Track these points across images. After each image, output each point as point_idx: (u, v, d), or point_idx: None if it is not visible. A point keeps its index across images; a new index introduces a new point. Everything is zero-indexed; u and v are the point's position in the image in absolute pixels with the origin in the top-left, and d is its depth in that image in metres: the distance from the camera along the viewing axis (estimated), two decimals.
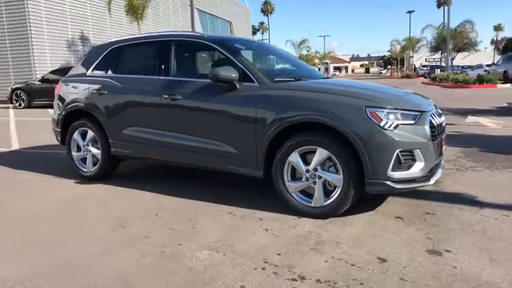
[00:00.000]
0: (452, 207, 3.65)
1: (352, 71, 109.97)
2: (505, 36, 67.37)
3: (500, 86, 20.27)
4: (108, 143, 4.59)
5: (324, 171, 3.40)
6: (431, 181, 3.41)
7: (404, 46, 54.45)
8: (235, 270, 2.61)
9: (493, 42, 71.01)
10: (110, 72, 4.68)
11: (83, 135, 4.83)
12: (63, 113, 4.91)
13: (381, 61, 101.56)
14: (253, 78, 3.72)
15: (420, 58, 62.57)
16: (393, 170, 3.20)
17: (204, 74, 4.10)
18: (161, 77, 4.20)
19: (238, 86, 3.71)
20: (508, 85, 20.41)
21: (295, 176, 3.56)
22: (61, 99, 5.00)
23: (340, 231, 3.21)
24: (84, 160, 4.88)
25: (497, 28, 71.60)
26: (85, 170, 4.85)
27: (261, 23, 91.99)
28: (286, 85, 3.76)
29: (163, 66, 4.23)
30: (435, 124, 3.44)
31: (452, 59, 46.71)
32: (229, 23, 39.47)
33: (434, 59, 59.88)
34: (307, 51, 59.60)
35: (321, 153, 3.35)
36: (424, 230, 3.19)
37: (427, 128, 3.33)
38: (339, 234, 3.14)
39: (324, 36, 65.95)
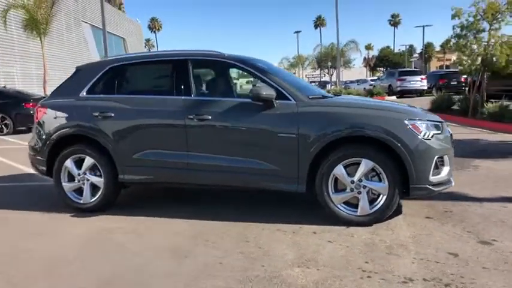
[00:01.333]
0: (461, 204, 4.18)
1: (240, 86, 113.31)
2: (374, 54, 76.75)
3: (387, 97, 23.11)
4: (114, 169, 4.21)
5: (368, 181, 3.65)
6: (453, 183, 3.89)
7: (293, 63, 58.40)
8: (346, 282, 2.69)
9: (364, 60, 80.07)
10: (111, 93, 4.32)
11: (78, 163, 4.34)
12: (51, 139, 4.35)
13: None
14: (288, 96, 3.82)
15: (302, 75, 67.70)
16: (432, 175, 3.60)
17: (230, 92, 4.07)
18: (182, 97, 4.04)
19: (275, 104, 3.78)
20: (393, 97, 23.37)
21: (337, 187, 3.74)
22: (46, 124, 4.42)
23: (395, 235, 3.48)
24: (78, 191, 4.38)
25: (368, 47, 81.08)
26: (81, 201, 4.35)
27: (147, 40, 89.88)
28: (322, 102, 3.95)
29: (182, 86, 4.07)
30: (451, 132, 3.95)
31: (331, 75, 51.41)
32: (123, 39, 38.04)
33: (313, 75, 65.25)
34: None
35: (366, 164, 3.60)
36: (459, 226, 3.63)
37: (448, 135, 3.82)
38: (396, 238, 3.40)
39: None
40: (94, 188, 4.34)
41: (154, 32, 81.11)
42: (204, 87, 4.19)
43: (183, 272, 2.93)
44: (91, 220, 4.15)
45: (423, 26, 53.92)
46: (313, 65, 54.40)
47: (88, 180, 4.32)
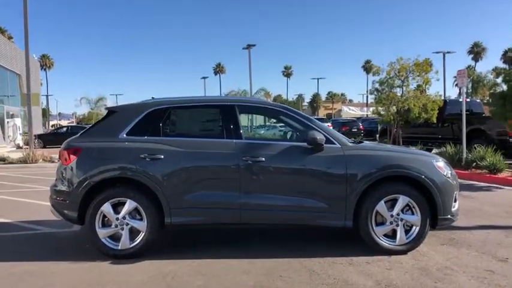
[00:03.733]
0: (455, 232, 4.99)
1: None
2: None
3: None
4: (159, 212, 4.16)
5: (404, 214, 4.24)
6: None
7: None
8: None
9: None
10: (157, 135, 4.32)
11: (115, 207, 4.19)
12: (88, 182, 4.14)
13: None
14: (334, 140, 4.31)
15: None
16: (453, 207, 4.34)
17: (278, 136, 4.39)
18: (234, 140, 4.25)
19: (324, 148, 4.23)
20: None
21: (377, 221, 4.26)
22: (81, 166, 4.21)
23: (433, 260, 4.07)
24: (113, 236, 4.19)
25: (267, 95, 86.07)
26: (118, 247, 4.16)
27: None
28: (361, 146, 4.50)
29: (232, 130, 4.30)
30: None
31: None
32: (19, 76, 34.93)
33: None
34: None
35: (403, 200, 4.21)
36: (471, 248, 4.40)
37: (455, 174, 4.65)
38: (437, 262, 4.00)
39: (116, 95, 66.19)
40: (131, 233, 4.20)
41: (45, 69, 75.77)
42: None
43: None
44: (142, 265, 4.00)
45: (318, 78, 59.63)
46: None
47: (127, 224, 4.18)
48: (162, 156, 4.19)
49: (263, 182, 4.23)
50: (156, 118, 4.40)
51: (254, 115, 4.90)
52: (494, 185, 8.55)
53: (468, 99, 14.48)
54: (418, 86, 13.55)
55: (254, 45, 28.83)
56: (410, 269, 3.83)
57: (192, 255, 4.26)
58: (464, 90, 11.12)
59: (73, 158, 4.26)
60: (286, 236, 4.92)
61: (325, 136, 4.27)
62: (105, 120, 4.53)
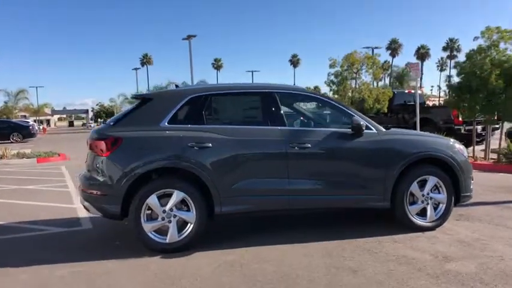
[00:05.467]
0: (460, 209, 5.49)
1: (55, 124, 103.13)
2: None
3: None
4: (207, 202, 4.06)
5: (433, 194, 4.59)
6: None
7: (131, 100, 56.50)
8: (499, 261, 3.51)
9: None
10: (199, 123, 4.18)
11: (161, 199, 4.00)
12: (133, 174, 3.90)
13: (85, 115, 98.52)
14: (370, 126, 4.51)
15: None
16: (471, 184, 4.78)
17: (319, 123, 4.49)
18: (278, 127, 4.27)
19: (363, 134, 4.42)
20: None
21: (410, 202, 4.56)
22: (124, 157, 3.95)
23: (463, 233, 4.46)
24: (159, 230, 4.01)
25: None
26: (166, 241, 3.99)
27: None
28: (393, 131, 4.74)
29: (276, 117, 4.31)
30: None
31: None
32: None
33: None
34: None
35: (433, 180, 4.56)
36: (483, 222, 4.89)
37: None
38: (467, 235, 4.40)
39: (37, 87, 60.95)
40: (178, 225, 4.05)
41: None
42: (297, 119, 4.49)
43: (393, 277, 3.28)
44: (198, 257, 3.89)
45: (252, 71, 60.45)
46: None
47: (175, 216, 4.02)
48: (211, 145, 4.08)
49: (309, 167, 4.32)
50: (197, 106, 4.26)
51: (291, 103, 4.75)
52: None
53: (413, 91, 15.71)
54: (374, 77, 14.42)
55: (195, 36, 28.32)
56: (450, 242, 4.18)
57: (238, 244, 4.22)
58: (418, 82, 12.08)
59: (113, 148, 3.98)
60: (317, 221, 5.05)
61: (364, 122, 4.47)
62: (140, 109, 4.28)
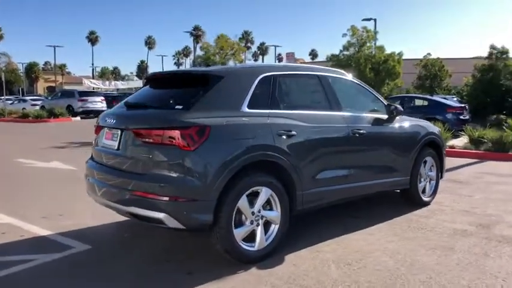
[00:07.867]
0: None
1: None
2: None
3: (73, 118, 22.12)
4: (294, 198, 3.59)
5: (429, 172, 5.23)
6: None
7: None
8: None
9: None
10: (275, 107, 3.59)
11: (250, 199, 3.33)
12: (228, 171, 3.10)
13: None
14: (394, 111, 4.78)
15: None
16: None
17: (361, 108, 4.48)
18: (339, 113, 4.08)
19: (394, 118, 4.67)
20: (78, 118, 22.47)
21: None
22: (215, 150, 3.09)
23: (459, 205, 5.18)
24: (248, 237, 3.35)
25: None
26: (254, 248, 3.36)
27: None
28: (405, 117, 5.06)
29: (335, 101, 4.11)
30: None
31: None
32: None
33: None
34: None
35: (431, 161, 5.21)
36: (462, 194, 5.81)
37: None
38: (464, 207, 5.14)
39: None
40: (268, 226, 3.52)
41: None
42: (347, 103, 4.29)
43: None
44: (288, 259, 3.42)
45: (54, 46, 52.42)
46: None
47: (262, 218, 3.42)
48: (295, 133, 3.60)
49: (365, 153, 4.35)
50: (268, 87, 3.66)
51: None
52: None
53: None
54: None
55: None
56: (456, 213, 4.85)
57: (308, 241, 3.88)
58: None
59: (201, 140, 3.06)
60: (338, 210, 4.99)
61: None
62: (217, 89, 3.38)
